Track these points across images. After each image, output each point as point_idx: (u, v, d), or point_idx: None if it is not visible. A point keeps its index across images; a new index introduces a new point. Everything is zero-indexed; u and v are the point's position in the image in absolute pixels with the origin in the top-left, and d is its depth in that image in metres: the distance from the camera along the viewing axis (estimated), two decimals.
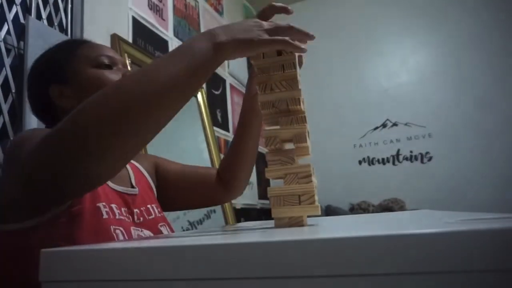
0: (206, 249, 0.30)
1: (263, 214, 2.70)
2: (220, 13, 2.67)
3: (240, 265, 0.29)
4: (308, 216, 0.55)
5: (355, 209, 2.62)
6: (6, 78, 1.11)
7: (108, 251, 0.34)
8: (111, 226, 0.63)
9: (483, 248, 0.25)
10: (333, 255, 0.27)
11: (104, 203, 0.65)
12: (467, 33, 2.77)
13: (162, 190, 0.88)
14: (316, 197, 0.51)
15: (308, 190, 0.51)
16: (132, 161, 0.86)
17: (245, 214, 2.45)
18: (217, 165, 2.07)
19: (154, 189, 0.87)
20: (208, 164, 2.04)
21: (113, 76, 0.71)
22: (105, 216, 0.63)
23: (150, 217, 0.76)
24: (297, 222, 0.51)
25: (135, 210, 0.73)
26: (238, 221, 2.26)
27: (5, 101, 1.10)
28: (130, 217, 0.71)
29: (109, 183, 0.71)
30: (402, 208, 2.50)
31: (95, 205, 0.63)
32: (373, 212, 2.51)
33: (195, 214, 1.81)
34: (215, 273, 0.29)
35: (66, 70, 0.72)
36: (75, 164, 0.48)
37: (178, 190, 0.89)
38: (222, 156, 2.26)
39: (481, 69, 2.70)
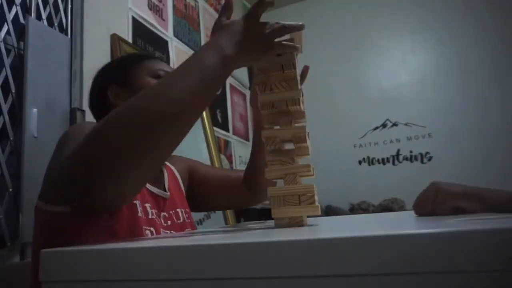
0: (205, 250, 0.30)
1: (263, 214, 2.70)
2: None
3: (240, 265, 0.29)
4: (308, 216, 0.55)
5: (355, 209, 2.62)
6: (6, 78, 1.11)
7: (108, 252, 0.34)
8: (143, 226, 0.65)
9: (483, 248, 0.25)
10: (333, 255, 0.27)
11: (139, 201, 0.67)
12: (467, 33, 2.77)
13: (194, 191, 0.92)
14: (316, 197, 0.51)
15: (308, 190, 0.51)
16: (167, 163, 0.89)
17: (245, 214, 2.45)
18: (216, 165, 2.07)
19: (184, 192, 0.89)
20: (207, 164, 2.04)
21: None
22: (139, 214, 0.65)
23: (179, 221, 0.79)
24: (297, 222, 0.51)
25: (163, 213, 0.76)
26: (238, 221, 2.26)
27: (5, 101, 1.10)
28: (159, 219, 0.73)
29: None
30: (402, 208, 2.50)
31: (132, 202, 0.65)
32: (373, 212, 2.51)
33: (195, 214, 1.81)
34: (214, 273, 0.29)
35: (127, 74, 0.78)
36: (98, 178, 0.48)
37: (209, 191, 0.93)
38: (222, 156, 2.26)
39: (481, 69, 2.70)
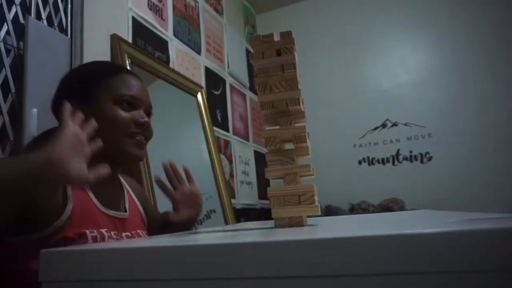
0: (205, 250, 0.30)
1: (263, 214, 2.70)
2: (220, 13, 2.67)
3: (240, 265, 0.29)
4: (308, 216, 0.55)
5: (355, 209, 2.62)
6: (6, 78, 1.11)
7: (107, 252, 0.33)
8: None
9: (483, 248, 0.25)
10: (334, 255, 0.27)
11: (90, 229, 0.67)
12: (467, 32, 2.77)
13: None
14: (316, 197, 0.51)
15: (308, 190, 0.51)
16: (126, 186, 0.90)
17: (245, 214, 2.45)
18: (216, 165, 2.07)
19: (145, 218, 0.91)
20: (208, 164, 2.04)
21: (127, 116, 0.75)
22: (90, 241, 0.65)
23: None
24: (297, 222, 0.51)
25: (125, 233, 0.76)
26: (238, 221, 2.26)
27: (5, 101, 1.10)
28: (121, 239, 0.74)
29: (100, 206, 0.74)
30: (402, 208, 2.50)
31: (82, 231, 0.65)
32: (373, 212, 2.51)
33: None
34: (214, 273, 0.29)
35: (89, 94, 0.76)
36: None
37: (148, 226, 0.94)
38: (222, 156, 2.26)
39: (481, 69, 2.70)
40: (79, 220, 0.66)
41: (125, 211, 0.81)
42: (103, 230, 0.69)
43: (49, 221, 0.62)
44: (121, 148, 0.75)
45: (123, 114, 0.75)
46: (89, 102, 0.75)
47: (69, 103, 0.65)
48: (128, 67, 1.51)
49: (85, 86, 0.77)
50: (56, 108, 0.78)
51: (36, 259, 0.53)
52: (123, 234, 0.76)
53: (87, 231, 0.66)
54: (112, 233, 0.72)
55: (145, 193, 1.00)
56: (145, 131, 0.79)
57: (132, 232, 0.79)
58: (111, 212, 0.75)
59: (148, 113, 0.82)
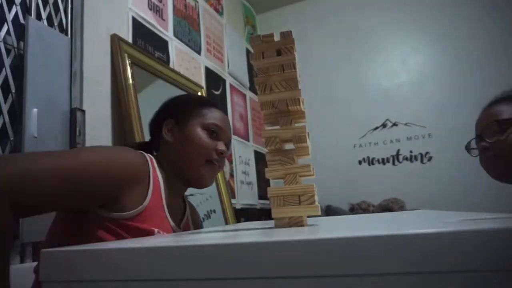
0: (206, 250, 0.30)
1: (263, 214, 2.70)
2: (220, 13, 2.67)
3: (240, 265, 0.29)
4: (308, 216, 0.55)
5: (355, 209, 2.62)
6: (6, 78, 1.11)
7: (108, 252, 0.33)
8: None
9: (483, 248, 0.25)
10: (333, 255, 0.27)
11: (158, 229, 0.74)
12: (467, 33, 2.77)
13: None
14: (316, 197, 0.51)
15: (308, 190, 0.51)
16: (187, 207, 0.96)
17: (245, 214, 2.45)
18: None
19: None
20: None
21: (210, 142, 0.85)
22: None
23: None
24: (297, 222, 0.51)
25: None
26: (238, 221, 2.26)
27: (5, 101, 1.10)
28: None
29: (168, 215, 0.80)
30: (402, 208, 2.50)
31: (151, 228, 0.72)
32: (373, 212, 2.51)
33: None
34: (214, 273, 0.29)
35: (185, 117, 0.87)
36: None
37: None
38: None
39: (481, 69, 2.70)
40: (150, 217, 0.73)
41: (179, 227, 0.87)
42: (166, 233, 0.76)
43: (128, 208, 0.70)
44: (198, 170, 0.84)
45: (208, 139, 0.85)
46: (183, 123, 0.87)
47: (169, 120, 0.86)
48: (128, 67, 1.51)
49: (182, 110, 0.89)
50: (154, 124, 0.92)
51: (109, 233, 0.68)
52: None
53: (155, 230, 0.72)
54: None
55: (199, 220, 1.06)
56: (221, 161, 0.88)
57: None
58: (172, 224, 0.81)
59: (227, 146, 0.91)
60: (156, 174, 0.79)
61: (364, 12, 3.09)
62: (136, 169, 0.73)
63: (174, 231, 0.81)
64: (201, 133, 0.85)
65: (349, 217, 0.83)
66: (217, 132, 0.87)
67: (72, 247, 0.36)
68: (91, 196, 0.65)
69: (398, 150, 2.85)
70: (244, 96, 2.86)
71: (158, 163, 0.83)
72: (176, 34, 2.04)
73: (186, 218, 0.92)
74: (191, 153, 0.83)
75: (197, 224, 1.01)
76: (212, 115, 0.89)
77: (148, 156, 0.80)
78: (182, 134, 0.85)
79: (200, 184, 0.86)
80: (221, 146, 0.87)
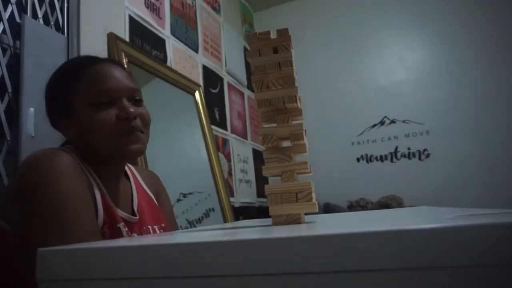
0: (204, 247, 0.30)
1: (262, 212, 2.70)
2: (217, 11, 2.67)
3: (238, 262, 0.29)
4: (306, 214, 0.55)
5: (353, 207, 2.63)
6: (2, 78, 1.11)
7: (106, 250, 0.33)
8: None
9: (482, 243, 0.25)
10: (332, 251, 0.27)
11: (123, 224, 0.71)
12: (465, 30, 2.77)
13: None
14: (313, 195, 0.51)
15: (305, 188, 0.51)
16: (140, 180, 0.88)
17: (243, 212, 2.45)
18: (215, 163, 2.07)
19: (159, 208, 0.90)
20: (206, 163, 2.04)
21: (107, 116, 0.70)
22: (125, 235, 0.70)
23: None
24: (295, 220, 0.51)
25: (133, 234, 0.77)
26: (237, 219, 2.27)
27: (2, 101, 1.10)
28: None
29: (116, 208, 0.74)
30: (400, 205, 2.50)
31: (116, 226, 0.69)
32: (371, 209, 2.52)
33: (194, 213, 1.81)
34: (212, 271, 0.29)
35: (69, 105, 0.72)
36: None
37: None
38: (220, 154, 2.26)
39: (479, 66, 2.70)
40: (109, 217, 0.69)
41: (133, 211, 0.80)
42: (122, 224, 0.72)
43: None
44: (118, 149, 0.72)
45: (102, 116, 0.70)
46: (69, 112, 0.73)
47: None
48: (126, 66, 1.51)
49: (60, 98, 0.74)
50: (51, 120, 0.78)
51: None
52: (133, 234, 0.77)
53: (120, 225, 0.70)
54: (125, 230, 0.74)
55: (163, 192, 0.95)
56: (135, 123, 0.72)
57: (141, 230, 0.79)
58: (124, 215, 0.76)
59: (135, 99, 0.76)
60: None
61: (362, 9, 3.09)
62: (81, 183, 0.66)
63: (128, 221, 0.75)
64: (93, 114, 0.70)
65: (347, 214, 0.83)
66: (110, 98, 0.71)
67: (69, 246, 0.36)
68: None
69: (396, 147, 2.85)
70: (242, 94, 2.86)
71: (79, 154, 0.72)
72: (173, 33, 2.03)
73: (139, 198, 0.83)
74: (99, 140, 0.70)
75: (157, 194, 0.91)
76: (92, 82, 0.72)
77: (72, 153, 0.71)
78: (77, 126, 0.72)
79: (130, 158, 0.76)
80: (122, 110, 0.71)
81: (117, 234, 0.69)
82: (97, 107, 0.70)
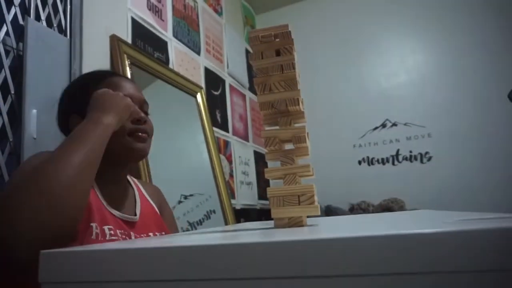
0: (205, 250, 0.30)
1: (263, 214, 2.70)
2: (219, 13, 2.67)
3: (239, 265, 0.29)
4: (308, 217, 0.55)
5: (355, 209, 2.62)
6: (5, 79, 1.11)
7: (108, 252, 0.33)
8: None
9: (483, 248, 0.25)
10: (333, 255, 0.27)
11: (96, 224, 0.69)
12: (467, 32, 2.77)
13: None
14: (315, 197, 0.51)
15: (308, 190, 0.51)
16: (142, 189, 0.92)
17: (245, 214, 2.45)
18: (216, 165, 2.07)
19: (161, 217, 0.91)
20: (207, 164, 2.04)
21: None
22: (93, 236, 0.67)
23: None
24: (297, 223, 0.51)
25: (133, 233, 0.77)
26: (238, 221, 2.26)
27: (4, 102, 1.10)
28: (127, 238, 0.75)
29: (109, 208, 0.75)
30: (401, 208, 2.50)
31: (89, 224, 0.67)
32: (373, 212, 2.51)
33: (195, 214, 1.81)
34: (213, 274, 0.29)
35: (84, 104, 0.77)
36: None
37: None
38: (221, 156, 2.26)
39: (481, 69, 2.70)
40: (87, 213, 0.68)
41: (135, 215, 0.82)
42: (105, 227, 0.71)
43: None
44: (124, 146, 0.78)
45: None
46: (86, 112, 0.77)
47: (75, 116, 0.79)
48: (128, 68, 1.51)
49: (81, 99, 0.79)
50: (61, 122, 0.85)
51: None
52: (132, 233, 0.77)
53: (93, 225, 0.68)
54: (118, 231, 0.72)
55: (165, 201, 1.00)
56: (144, 127, 0.81)
57: (142, 235, 0.79)
58: (118, 214, 0.77)
59: (144, 110, 0.85)
60: None
61: (364, 12, 3.09)
62: None
63: (125, 221, 0.77)
64: None
65: (348, 217, 0.83)
66: None
67: (72, 248, 0.36)
68: None
69: (398, 150, 2.85)
70: (243, 96, 2.86)
71: None
72: (175, 35, 2.04)
73: (141, 202, 0.87)
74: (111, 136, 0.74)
75: (160, 205, 0.95)
76: (113, 87, 0.80)
77: None
78: None
79: (134, 157, 0.81)
80: (136, 113, 0.79)
81: (86, 232, 0.68)
82: None
